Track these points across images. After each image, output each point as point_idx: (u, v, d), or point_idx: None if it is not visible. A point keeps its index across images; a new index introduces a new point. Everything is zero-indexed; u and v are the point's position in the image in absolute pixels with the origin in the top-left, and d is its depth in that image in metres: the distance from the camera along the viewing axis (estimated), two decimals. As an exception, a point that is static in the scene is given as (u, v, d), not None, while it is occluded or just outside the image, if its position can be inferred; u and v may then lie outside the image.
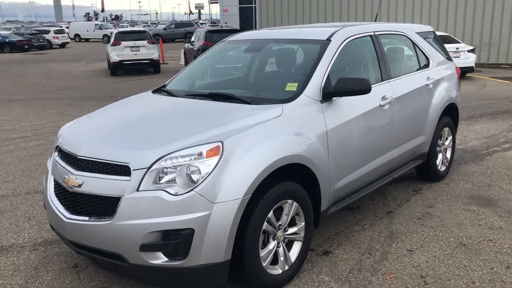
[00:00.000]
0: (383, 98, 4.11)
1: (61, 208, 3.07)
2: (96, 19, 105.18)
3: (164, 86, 4.34)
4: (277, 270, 3.19)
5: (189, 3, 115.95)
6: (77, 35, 49.05)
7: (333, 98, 3.62)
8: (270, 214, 3.03)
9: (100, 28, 48.35)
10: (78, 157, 3.04)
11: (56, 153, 3.37)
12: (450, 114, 5.39)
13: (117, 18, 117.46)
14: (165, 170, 2.78)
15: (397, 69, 4.59)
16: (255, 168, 2.86)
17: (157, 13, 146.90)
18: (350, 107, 3.74)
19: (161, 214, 2.70)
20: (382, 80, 4.25)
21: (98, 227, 2.82)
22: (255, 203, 2.92)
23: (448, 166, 5.48)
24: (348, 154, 3.71)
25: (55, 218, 3.11)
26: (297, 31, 4.34)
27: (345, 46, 3.96)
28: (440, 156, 5.32)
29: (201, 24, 50.64)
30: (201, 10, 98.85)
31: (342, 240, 3.93)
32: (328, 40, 3.91)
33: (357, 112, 3.79)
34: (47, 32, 40.69)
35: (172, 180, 2.75)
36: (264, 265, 3.05)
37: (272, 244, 3.13)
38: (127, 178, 2.79)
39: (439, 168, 5.29)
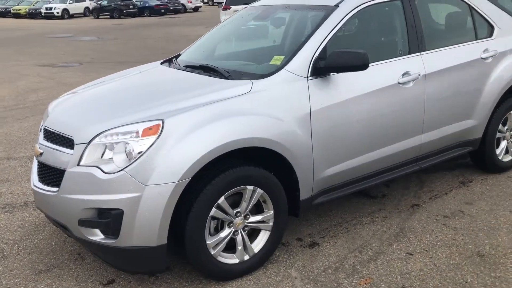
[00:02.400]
0: (406, 74, 3.52)
1: (35, 175, 3.18)
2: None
3: (179, 55, 4.22)
4: (233, 259, 2.97)
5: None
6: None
7: (331, 74, 3.19)
8: (221, 200, 2.80)
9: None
10: (44, 126, 3.11)
11: None
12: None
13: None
14: (108, 146, 2.70)
15: (437, 40, 3.89)
16: (196, 151, 2.64)
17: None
18: (352, 84, 3.27)
19: (95, 191, 2.65)
20: (409, 53, 3.62)
21: (50, 197, 2.87)
22: (200, 188, 2.72)
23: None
24: (344, 139, 3.26)
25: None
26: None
27: (358, 13, 3.43)
28: (503, 143, 4.47)
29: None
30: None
31: (338, 233, 3.54)
32: (336, 6, 3.42)
33: (360, 91, 3.29)
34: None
35: (111, 158, 2.67)
36: (212, 253, 2.86)
37: (225, 232, 2.90)
38: (71, 151, 2.77)
39: (500, 158, 4.45)
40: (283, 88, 3.04)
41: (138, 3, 38.57)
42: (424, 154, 3.86)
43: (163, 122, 2.66)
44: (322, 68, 3.11)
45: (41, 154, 2.99)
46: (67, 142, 2.84)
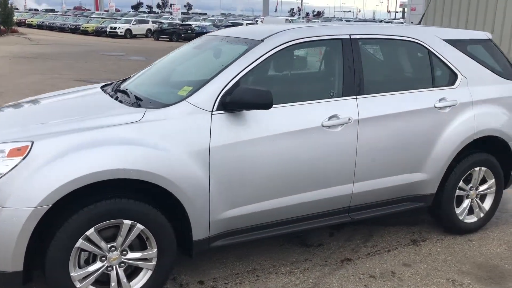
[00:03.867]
0: (333, 117, 3.27)
1: None
2: (299, 14, 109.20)
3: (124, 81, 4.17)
4: (105, 297, 2.81)
5: (387, 1, 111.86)
6: (269, 29, 51.69)
7: (244, 110, 3.02)
8: (90, 231, 2.67)
9: (290, 23, 50.05)
10: None
11: None
12: (493, 150, 4.06)
13: (319, 14, 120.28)
14: None
15: (383, 84, 3.63)
16: (61, 177, 2.54)
17: (359, 11, 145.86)
18: (265, 123, 3.07)
19: None
20: (343, 95, 3.38)
21: None
22: (66, 217, 2.61)
23: (484, 217, 4.16)
24: (251, 181, 3.06)
25: None
26: (251, 29, 3.74)
27: (285, 50, 3.26)
28: (466, 202, 4.05)
29: (386, 22, 48.65)
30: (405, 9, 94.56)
31: (246, 280, 3.29)
32: (261, 41, 3.27)
33: (274, 131, 3.09)
34: (241, 24, 43.83)
35: None
36: (78, 286, 2.71)
37: (95, 266, 2.76)
38: None
39: (461, 218, 4.03)
40: (181, 120, 2.90)
41: (197, 28, 39.82)
42: (357, 205, 3.55)
43: (32, 144, 2.59)
44: (228, 104, 2.95)
45: None
46: None
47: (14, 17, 33.02)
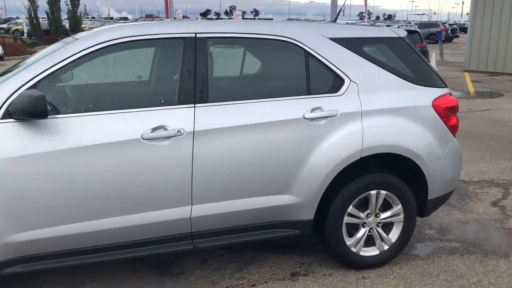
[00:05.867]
0: (159, 128, 2.82)
1: None
2: (369, 17, 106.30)
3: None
4: None
5: (463, 3, 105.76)
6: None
7: (48, 118, 2.66)
8: None
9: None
10: None
11: None
12: (403, 172, 3.41)
13: (389, 18, 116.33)
14: None
15: (235, 91, 3.12)
16: None
17: (434, 13, 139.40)
18: (65, 134, 2.69)
19: None
20: (178, 103, 2.92)
21: None
22: None
23: (390, 251, 3.48)
24: (43, 201, 2.68)
25: None
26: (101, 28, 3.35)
27: (102, 51, 2.85)
28: (362, 232, 3.40)
29: (450, 25, 46.04)
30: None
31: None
32: (76, 39, 2.90)
33: (74, 144, 2.69)
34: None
35: None
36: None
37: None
38: None
39: (355, 250, 3.39)
40: None
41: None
42: (203, 231, 3.05)
43: None
44: (11, 112, 2.60)
45: None
46: None
47: (84, 26, 34.16)
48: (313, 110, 3.13)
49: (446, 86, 3.58)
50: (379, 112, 3.27)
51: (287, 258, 3.60)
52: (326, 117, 3.14)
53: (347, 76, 3.25)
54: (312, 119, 3.11)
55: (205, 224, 3.04)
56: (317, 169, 3.13)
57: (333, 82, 3.25)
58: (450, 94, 3.58)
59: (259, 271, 3.43)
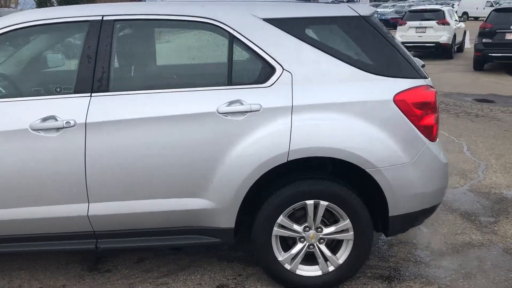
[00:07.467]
0: (48, 119, 2.64)
1: None
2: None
3: None
4: None
5: None
6: (465, 13, 46.12)
7: None
8: None
9: (492, 6, 43.78)
10: None
11: None
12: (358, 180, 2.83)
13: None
14: None
15: (144, 79, 2.81)
16: None
17: None
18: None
19: None
20: (75, 92, 2.70)
21: None
22: None
23: (337, 273, 2.91)
24: None
25: None
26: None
27: (2, 36, 2.74)
28: (298, 247, 2.88)
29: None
30: None
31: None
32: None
33: None
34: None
35: None
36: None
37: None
38: None
39: (290, 268, 2.89)
40: None
41: (377, 15, 37.89)
42: (107, 231, 2.83)
43: None
44: None
45: None
46: None
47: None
48: (230, 103, 2.69)
49: (423, 77, 2.85)
50: (317, 108, 2.71)
51: (228, 267, 3.23)
52: (246, 112, 2.68)
53: (279, 64, 2.74)
54: (227, 113, 2.68)
55: (106, 224, 2.81)
56: (234, 172, 2.71)
57: (261, 71, 2.76)
58: (429, 86, 2.85)
59: (188, 278, 3.11)
